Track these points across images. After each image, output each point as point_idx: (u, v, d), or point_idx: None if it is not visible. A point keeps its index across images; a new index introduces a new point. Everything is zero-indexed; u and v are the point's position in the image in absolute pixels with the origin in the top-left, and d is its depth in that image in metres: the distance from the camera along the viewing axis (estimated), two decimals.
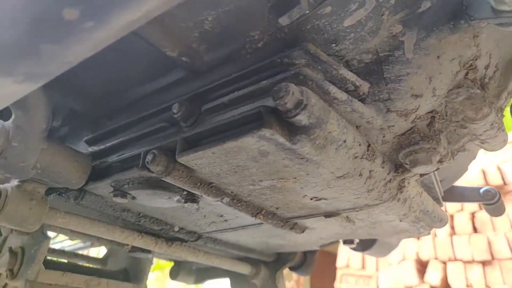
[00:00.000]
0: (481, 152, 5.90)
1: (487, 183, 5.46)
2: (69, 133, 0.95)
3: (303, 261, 1.39)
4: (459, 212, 5.65)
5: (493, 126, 0.71)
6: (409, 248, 5.64)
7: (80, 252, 1.51)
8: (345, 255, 6.24)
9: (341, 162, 0.67)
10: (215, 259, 1.20)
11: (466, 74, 0.67)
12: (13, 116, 0.71)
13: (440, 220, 1.00)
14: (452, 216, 5.64)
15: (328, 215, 0.87)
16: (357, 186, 0.73)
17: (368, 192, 0.75)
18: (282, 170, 0.69)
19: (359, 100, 0.66)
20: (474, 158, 1.10)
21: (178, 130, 0.72)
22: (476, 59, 0.67)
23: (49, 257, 1.25)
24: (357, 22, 0.64)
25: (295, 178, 0.71)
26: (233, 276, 1.46)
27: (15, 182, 0.79)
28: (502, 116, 0.74)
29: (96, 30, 0.35)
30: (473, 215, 5.60)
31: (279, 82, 0.60)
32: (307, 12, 0.60)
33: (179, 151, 0.67)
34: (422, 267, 5.53)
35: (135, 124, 0.81)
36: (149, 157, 0.69)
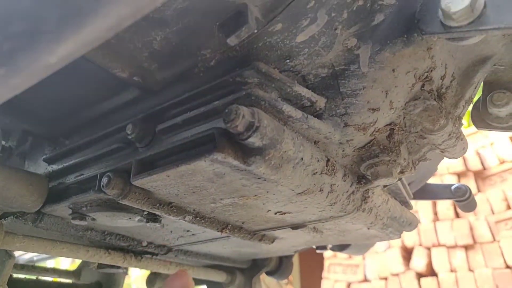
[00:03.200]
0: None
1: (467, 168, 5.54)
2: (28, 151, 0.92)
3: (279, 266, 1.39)
4: (442, 200, 5.71)
5: (451, 136, 0.70)
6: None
7: (50, 266, 1.47)
8: None
9: (299, 179, 0.65)
10: (189, 270, 1.19)
11: (422, 86, 0.66)
12: None
13: (410, 224, 1.00)
14: (434, 202, 5.72)
15: (295, 227, 0.86)
16: (319, 201, 0.73)
17: (331, 205, 0.74)
18: (241, 189, 0.67)
19: (316, 116, 0.65)
20: (442, 159, 1.10)
21: (134, 151, 0.70)
22: (432, 71, 0.66)
23: (15, 275, 1.22)
24: (310, 37, 0.62)
25: (255, 195, 0.70)
26: (210, 285, 1.45)
27: None
28: (460, 125, 0.74)
29: (10, 77, 0.33)
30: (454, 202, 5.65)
31: (231, 103, 0.58)
32: (256, 31, 0.59)
33: (134, 174, 0.65)
34: (407, 254, 5.62)
35: (92, 144, 0.79)
36: (104, 181, 0.67)
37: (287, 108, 0.60)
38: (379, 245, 5.69)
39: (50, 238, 0.89)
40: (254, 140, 0.56)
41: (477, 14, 0.53)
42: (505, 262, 4.67)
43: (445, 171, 5.61)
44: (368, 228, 0.89)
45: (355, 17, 0.61)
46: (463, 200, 1.31)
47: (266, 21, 0.59)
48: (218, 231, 0.84)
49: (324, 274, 6.26)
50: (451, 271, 5.12)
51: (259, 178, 0.62)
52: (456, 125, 0.71)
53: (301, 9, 0.60)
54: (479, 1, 0.52)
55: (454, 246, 5.25)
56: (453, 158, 0.78)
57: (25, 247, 0.83)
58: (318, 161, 0.66)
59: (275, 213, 0.79)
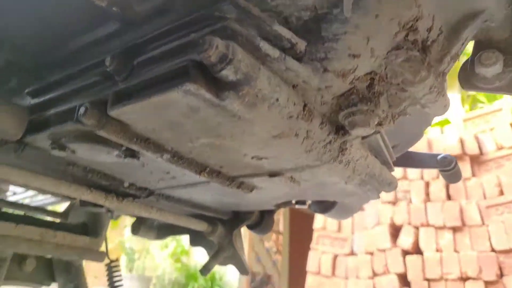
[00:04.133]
0: (461, 121, 5.97)
1: (464, 152, 5.56)
2: (15, 85, 0.92)
3: (260, 221, 1.41)
4: (435, 180, 5.77)
5: (432, 91, 0.70)
6: (384, 213, 5.79)
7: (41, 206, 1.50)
8: (322, 217, 6.39)
9: (275, 121, 0.66)
10: (170, 216, 1.21)
11: (406, 35, 0.66)
12: None
13: (389, 184, 1.01)
14: (427, 183, 5.77)
15: (272, 174, 0.87)
16: (295, 146, 0.73)
17: (307, 152, 0.75)
18: (217, 127, 0.68)
19: (296, 59, 0.65)
20: (429, 124, 1.10)
21: (112, 85, 0.70)
22: (417, 20, 0.65)
23: (4, 210, 1.24)
24: None
25: (232, 136, 0.71)
26: (192, 234, 1.48)
27: None
28: (444, 81, 0.74)
29: None
30: (447, 183, 5.72)
31: (207, 34, 0.58)
32: None
33: (110, 105, 0.66)
34: (395, 231, 5.69)
35: (73, 78, 0.79)
36: (81, 111, 0.67)
37: (265, 46, 0.60)
38: (369, 221, 5.78)
39: (32, 170, 0.90)
40: (228, 73, 0.56)
41: None
42: (491, 245, 4.75)
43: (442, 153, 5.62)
44: (346, 183, 0.90)
45: None
46: (448, 170, 1.32)
47: None
48: (196, 174, 0.85)
49: (312, 245, 6.37)
50: (437, 250, 5.21)
51: (233, 116, 0.63)
52: (439, 80, 0.71)
53: None
54: None
55: (443, 227, 5.32)
56: (435, 114, 0.78)
57: (7, 175, 0.84)
58: (294, 104, 0.67)
59: (252, 158, 0.80)
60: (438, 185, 5.65)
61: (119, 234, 9.08)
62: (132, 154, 0.78)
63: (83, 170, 0.95)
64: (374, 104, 0.70)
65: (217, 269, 7.74)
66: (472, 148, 5.54)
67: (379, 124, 0.73)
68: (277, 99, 0.63)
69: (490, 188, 5.24)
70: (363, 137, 0.80)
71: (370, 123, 0.70)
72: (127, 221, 8.65)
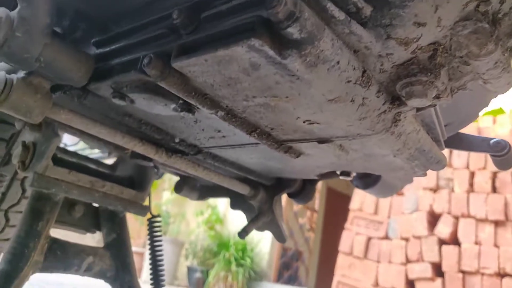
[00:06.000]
0: None
1: None
2: (80, 36, 0.96)
3: (301, 189, 1.42)
4: (481, 170, 5.59)
5: (497, 65, 0.68)
6: (424, 199, 5.68)
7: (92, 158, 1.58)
8: (359, 199, 6.35)
9: (333, 84, 0.66)
10: (214, 176, 1.24)
11: (477, 6, 0.64)
12: (18, 7, 0.73)
13: (437, 162, 0.99)
14: (473, 173, 5.60)
15: (322, 141, 0.88)
16: (349, 112, 0.73)
17: (360, 120, 0.75)
18: (274, 87, 0.69)
19: (360, 24, 0.64)
20: (486, 105, 1.06)
21: (178, 37, 0.72)
22: None
23: (60, 156, 1.31)
24: None
25: (287, 97, 0.72)
26: (233, 196, 1.52)
27: (21, 74, 0.81)
28: (510, 56, 0.71)
29: None
30: (494, 174, 5.54)
31: None
32: None
33: (174, 57, 0.68)
34: (433, 219, 5.59)
35: (139, 30, 0.81)
36: (145, 61, 0.70)
37: (331, 7, 0.60)
38: (407, 206, 5.69)
39: (91, 118, 0.95)
40: (293, 31, 0.56)
41: None
42: None
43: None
44: (394, 156, 0.89)
45: None
46: (500, 155, 1.28)
47: None
48: (247, 134, 0.87)
49: (347, 225, 6.35)
50: (476, 243, 5.08)
51: (293, 75, 0.63)
52: (506, 55, 0.69)
53: None
54: None
55: (484, 220, 5.17)
56: (496, 92, 0.76)
57: (69, 120, 0.90)
58: (354, 69, 0.66)
59: (304, 122, 0.81)
60: (484, 176, 5.47)
61: (157, 196, 9.38)
62: (188, 108, 0.81)
63: (138, 122, 0.99)
64: (434, 75, 0.69)
65: (249, 240, 7.89)
66: None
67: (437, 97, 0.71)
68: (338, 62, 0.63)
69: None
70: (418, 109, 0.79)
71: (428, 94, 0.69)
72: (166, 184, 8.91)
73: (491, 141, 1.28)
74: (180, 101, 0.80)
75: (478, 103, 1.03)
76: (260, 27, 0.58)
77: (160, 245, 1.49)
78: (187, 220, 9.14)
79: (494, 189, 5.34)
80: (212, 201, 8.91)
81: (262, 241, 7.82)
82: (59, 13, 0.91)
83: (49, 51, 0.75)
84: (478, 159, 5.53)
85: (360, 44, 0.66)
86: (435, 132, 0.94)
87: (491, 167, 5.47)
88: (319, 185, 9.34)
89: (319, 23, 0.59)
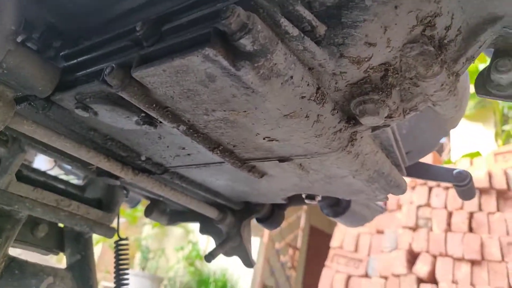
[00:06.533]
0: (492, 155, 5.84)
1: (491, 186, 5.47)
2: (50, 50, 0.97)
3: (270, 214, 1.42)
4: (458, 211, 5.68)
5: (443, 88, 0.71)
6: (403, 238, 5.72)
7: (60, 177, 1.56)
8: (340, 236, 6.37)
9: (286, 98, 0.68)
10: (182, 197, 1.24)
11: (423, 30, 0.68)
12: None
13: (397, 186, 1.01)
14: (450, 213, 5.69)
15: (282, 159, 0.90)
16: (304, 129, 0.75)
17: (317, 137, 0.77)
18: (231, 100, 0.71)
19: (314, 42, 0.67)
20: (446, 134, 1.10)
21: (140, 49, 0.75)
22: (436, 17, 0.67)
23: (26, 173, 1.30)
24: None
25: (245, 111, 0.74)
26: (202, 221, 1.51)
27: None
28: (457, 81, 0.75)
29: None
30: (471, 214, 5.64)
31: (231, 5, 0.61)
32: None
33: (134, 66, 0.70)
34: (412, 258, 5.61)
35: (106, 43, 0.83)
36: (107, 70, 0.71)
37: (285, 23, 0.63)
38: (387, 244, 5.71)
39: (56, 131, 0.95)
40: (246, 43, 0.59)
41: None
42: (509, 283, 4.62)
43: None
44: (353, 177, 0.91)
45: None
46: (463, 185, 1.31)
47: None
48: (210, 150, 0.88)
49: (327, 263, 6.31)
50: (453, 282, 5.10)
51: (247, 88, 0.66)
52: (451, 79, 0.72)
53: None
54: None
55: (461, 259, 5.22)
56: (445, 115, 0.79)
57: (32, 131, 0.90)
58: (308, 85, 0.69)
59: (264, 138, 0.82)
60: (461, 216, 5.55)
61: (137, 231, 9.21)
62: (150, 121, 0.82)
63: (103, 137, 0.99)
64: (385, 94, 0.72)
65: (229, 277, 7.74)
66: (500, 183, 5.45)
67: (389, 116, 0.74)
68: (291, 77, 0.66)
69: None
70: (373, 129, 0.81)
71: (380, 112, 0.71)
72: (147, 219, 8.77)
73: (454, 172, 1.31)
74: (142, 114, 0.82)
75: (438, 132, 1.06)
76: (215, 38, 0.60)
77: (127, 270, 1.46)
78: (166, 255, 8.97)
79: (471, 229, 5.42)
80: (193, 236, 8.79)
81: (243, 278, 7.69)
82: (30, 25, 0.93)
83: (12, 57, 0.77)
84: (455, 199, 5.63)
85: (314, 61, 0.69)
86: (394, 156, 0.97)
87: (468, 207, 5.56)
88: (302, 223, 9.32)
89: (272, 36, 0.61)
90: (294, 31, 0.64)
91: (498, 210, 5.39)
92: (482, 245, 5.17)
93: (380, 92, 0.72)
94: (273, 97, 0.67)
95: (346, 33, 0.67)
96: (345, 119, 0.78)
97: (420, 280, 5.25)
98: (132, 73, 0.70)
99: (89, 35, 0.90)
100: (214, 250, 1.38)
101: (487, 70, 0.80)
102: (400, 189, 1.03)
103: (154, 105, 0.76)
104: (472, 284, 4.93)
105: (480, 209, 5.53)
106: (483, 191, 5.57)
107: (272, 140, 0.83)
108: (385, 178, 0.96)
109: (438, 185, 5.73)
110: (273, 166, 0.96)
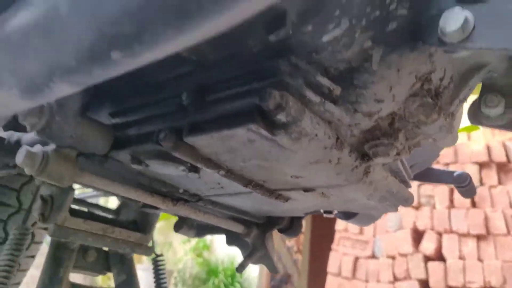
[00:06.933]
0: (489, 129, 5.96)
1: (490, 160, 5.49)
2: (95, 106, 1.11)
3: (290, 225, 1.58)
4: None
5: (442, 129, 0.87)
6: (406, 217, 5.79)
7: (95, 202, 1.71)
8: None
9: (313, 151, 0.83)
10: (213, 218, 1.40)
11: (422, 85, 0.82)
12: None
13: (406, 200, 1.17)
14: (452, 189, 5.74)
15: (306, 190, 1.05)
16: (327, 170, 0.90)
17: (337, 174, 0.92)
18: (266, 153, 0.86)
19: (331, 101, 0.82)
20: (444, 147, 1.25)
21: (185, 115, 0.89)
22: (431, 73, 0.82)
23: (72, 206, 1.45)
24: (334, 38, 0.78)
25: (277, 160, 0.88)
26: (229, 234, 1.67)
27: (53, 146, 0.97)
28: (453, 120, 0.90)
29: (127, 64, 0.51)
30: None
31: (268, 85, 0.75)
32: (291, 32, 0.75)
33: (186, 133, 0.84)
34: (418, 236, 5.69)
35: (152, 105, 0.98)
36: (161, 136, 0.86)
37: (309, 94, 0.77)
38: (391, 224, 5.84)
39: (110, 178, 1.10)
40: (281, 117, 0.73)
41: (466, 35, 0.68)
42: None
43: (468, 160, 5.63)
44: (368, 199, 1.07)
45: (372, 24, 0.76)
46: (463, 186, 1.46)
47: (300, 24, 0.75)
48: (243, 186, 1.04)
49: (334, 246, 6.45)
50: (460, 258, 5.20)
51: (281, 146, 0.80)
52: (448, 120, 0.87)
53: (329, 16, 0.76)
54: (469, 24, 0.67)
55: (466, 235, 5.29)
56: (444, 146, 0.94)
57: (91, 181, 1.05)
58: (329, 138, 0.84)
59: (291, 176, 0.97)
60: None
61: None
62: (195, 169, 0.97)
63: (149, 179, 1.14)
64: (393, 138, 0.87)
65: (237, 265, 7.92)
66: (499, 156, 5.48)
67: (397, 154, 0.89)
68: (316, 134, 0.80)
69: None
70: (383, 164, 0.97)
71: (390, 153, 0.87)
72: None
73: (455, 174, 1.46)
74: (188, 164, 0.96)
75: (438, 146, 1.21)
76: (256, 114, 0.75)
77: (165, 283, 1.62)
78: (174, 248, 9.13)
79: (474, 204, 5.50)
80: None
81: (251, 266, 7.90)
82: None
83: (79, 128, 0.92)
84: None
85: (333, 117, 0.83)
86: (401, 175, 1.12)
87: None
88: None
89: (300, 107, 0.76)
90: (316, 99, 0.79)
91: (499, 183, 5.43)
92: (486, 219, 5.23)
93: (389, 137, 0.87)
94: (302, 151, 0.82)
95: (358, 93, 0.81)
96: (360, 157, 0.93)
97: (427, 258, 5.36)
98: (184, 138, 0.84)
99: (132, 95, 1.04)
100: (244, 261, 1.54)
101: (478, 102, 0.95)
102: (408, 202, 1.19)
103: (200, 159, 0.91)
104: (479, 259, 5.05)
105: (481, 183, 5.59)
106: (483, 165, 5.59)
107: (298, 177, 0.98)
108: (394, 196, 1.11)
109: (437, 162, 5.81)
110: (297, 194, 1.11)
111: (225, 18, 0.44)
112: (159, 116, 0.95)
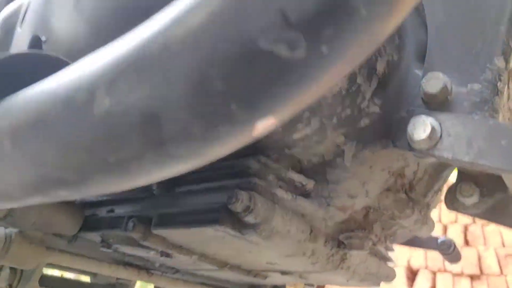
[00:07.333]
0: None
1: None
2: None
3: None
4: (453, 224, 5.73)
5: (416, 222, 0.85)
6: (401, 254, 5.74)
7: None
8: None
9: (286, 246, 0.81)
10: (193, 286, 1.36)
11: (395, 181, 0.81)
12: None
13: (387, 276, 1.14)
14: (445, 227, 5.72)
15: (284, 273, 1.02)
16: (302, 261, 0.88)
17: (313, 264, 0.90)
18: (237, 246, 0.83)
19: (304, 195, 0.80)
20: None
21: (155, 204, 0.87)
22: (404, 168, 0.80)
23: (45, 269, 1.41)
24: (305, 135, 0.77)
25: (250, 251, 0.86)
26: None
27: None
28: (428, 210, 0.88)
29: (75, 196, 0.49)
30: (466, 227, 5.68)
31: (236, 185, 0.74)
32: None
33: (154, 225, 0.82)
34: (412, 275, 5.64)
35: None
36: (129, 225, 0.84)
37: (280, 192, 0.76)
38: None
39: (81, 254, 1.07)
40: (249, 219, 0.71)
41: (433, 143, 0.66)
42: None
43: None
44: (347, 281, 1.04)
45: (344, 122, 0.76)
46: (448, 253, 1.44)
47: None
48: (218, 268, 1.01)
49: None
50: None
51: (252, 243, 0.78)
52: (423, 212, 0.85)
53: (298, 118, 0.74)
54: (436, 133, 0.66)
55: (460, 274, 5.25)
56: (420, 235, 0.92)
57: (59, 259, 1.02)
58: (302, 232, 0.82)
59: (267, 263, 0.95)
60: (456, 230, 5.62)
61: None
62: (167, 254, 0.94)
63: (122, 255, 1.11)
64: (368, 230, 0.85)
65: None
66: None
67: (373, 244, 0.87)
68: (289, 231, 0.78)
69: (510, 236, 5.18)
70: None
71: (364, 245, 0.84)
72: None
73: (438, 240, 1.44)
74: (160, 250, 0.94)
75: None
76: (223, 214, 0.73)
77: None
78: None
79: (467, 242, 5.46)
80: None
81: None
82: None
83: (44, 214, 0.89)
84: (449, 212, 5.69)
85: (306, 211, 0.81)
86: (381, 252, 1.09)
87: (462, 220, 5.65)
88: None
89: (270, 207, 0.74)
90: (288, 196, 0.77)
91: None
92: (479, 259, 5.20)
93: (364, 229, 0.85)
94: (275, 247, 0.80)
95: (331, 188, 0.80)
96: (335, 245, 0.90)
97: None
98: (152, 230, 0.82)
99: None
100: None
101: (454, 190, 0.93)
102: (389, 277, 1.16)
103: (171, 246, 0.89)
104: None
105: (474, 221, 5.58)
106: None
107: (274, 264, 0.95)
108: (374, 275, 1.08)
109: None
110: (275, 274, 1.08)
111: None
112: (130, 199, 0.93)
